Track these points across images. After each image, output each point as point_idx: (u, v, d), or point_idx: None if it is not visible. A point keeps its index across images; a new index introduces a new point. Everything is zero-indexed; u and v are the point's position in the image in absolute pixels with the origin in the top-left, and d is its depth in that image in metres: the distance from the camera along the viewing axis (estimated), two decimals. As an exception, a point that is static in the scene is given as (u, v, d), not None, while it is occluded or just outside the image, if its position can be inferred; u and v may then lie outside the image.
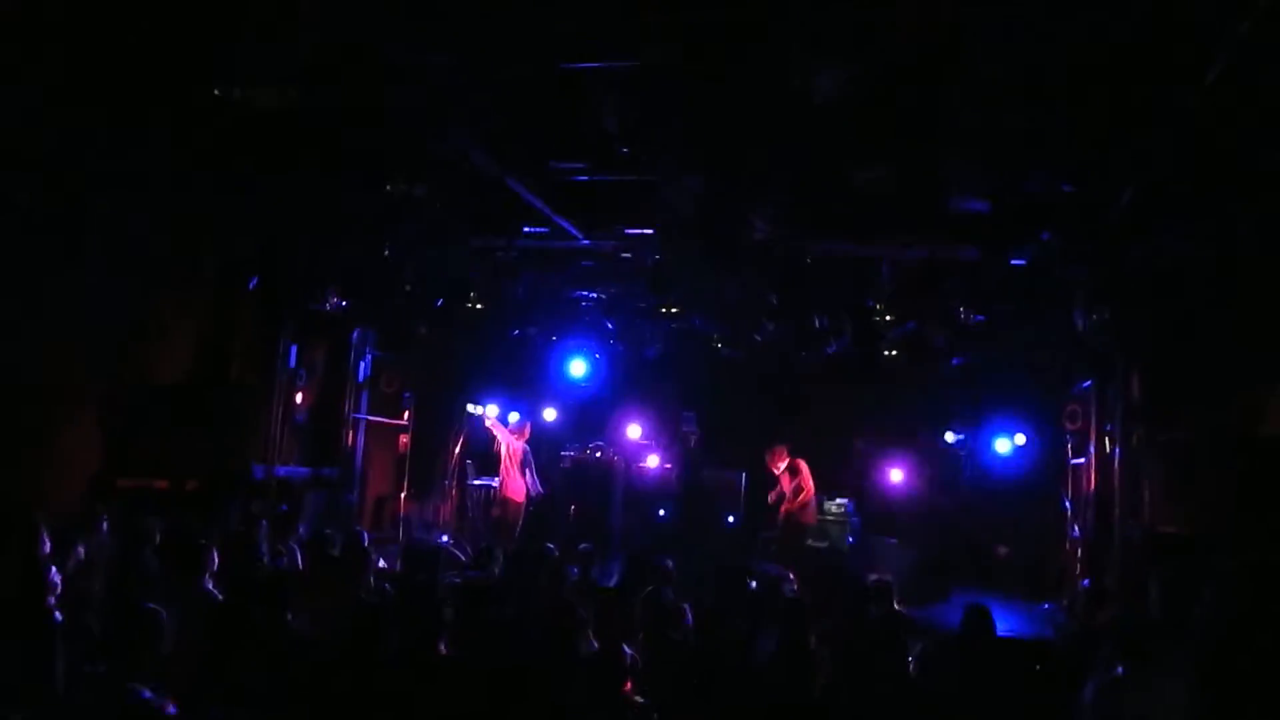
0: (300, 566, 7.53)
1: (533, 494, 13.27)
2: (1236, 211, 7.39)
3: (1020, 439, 13.58)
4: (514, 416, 14.05)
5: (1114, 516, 10.59)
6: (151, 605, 4.61)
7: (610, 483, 14.05)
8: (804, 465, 12.46)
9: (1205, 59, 5.30)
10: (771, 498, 12.56)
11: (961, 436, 13.95)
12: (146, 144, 7.83)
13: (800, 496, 12.29)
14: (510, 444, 13.16)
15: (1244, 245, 7.99)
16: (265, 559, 7.29)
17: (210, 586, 6.25)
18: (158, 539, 7.07)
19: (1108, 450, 11.02)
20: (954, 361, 12.41)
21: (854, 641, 6.26)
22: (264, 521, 8.76)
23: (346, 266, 11.02)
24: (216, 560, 6.43)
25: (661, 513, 14.20)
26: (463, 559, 10.45)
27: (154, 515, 7.51)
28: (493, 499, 13.65)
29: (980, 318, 10.55)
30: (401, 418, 14.11)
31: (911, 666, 5.94)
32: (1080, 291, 8.80)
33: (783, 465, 12.50)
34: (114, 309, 9.62)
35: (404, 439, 14.16)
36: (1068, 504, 12.13)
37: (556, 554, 8.19)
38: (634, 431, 15.06)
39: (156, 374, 10.49)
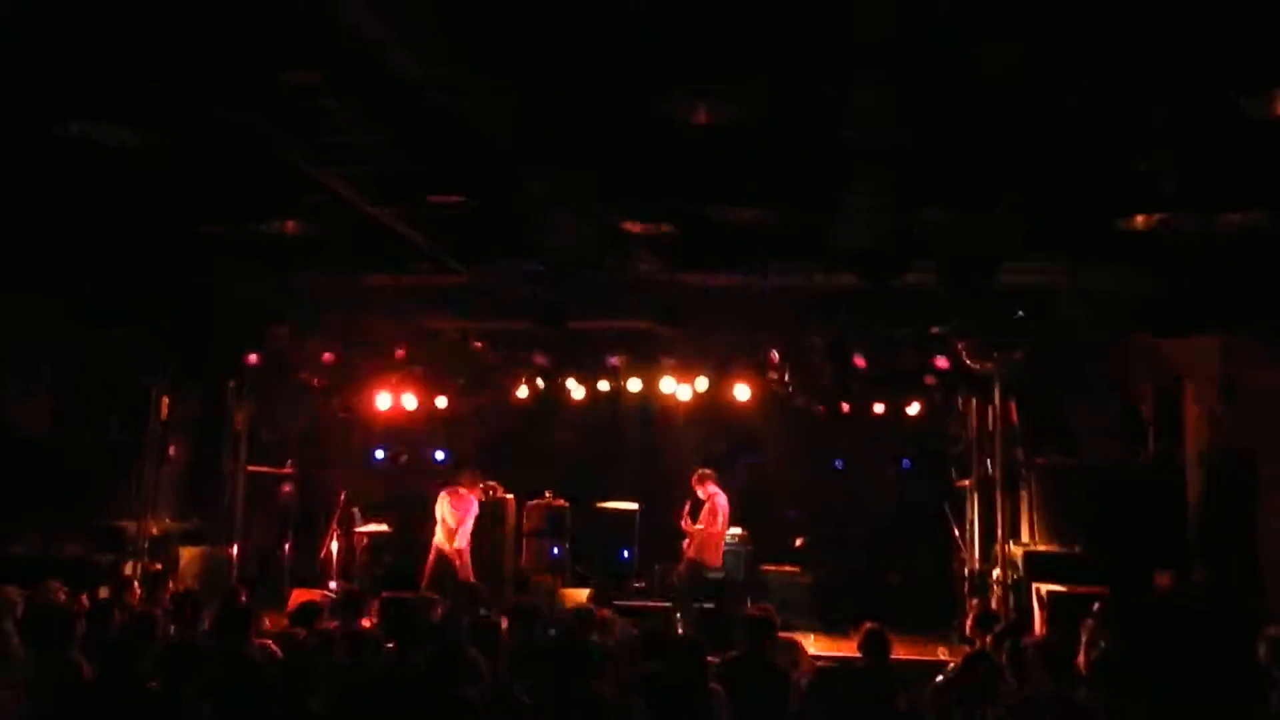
0: (172, 629, 7.13)
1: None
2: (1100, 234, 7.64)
3: (905, 462, 13.80)
4: None
5: (997, 538, 10.81)
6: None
7: (504, 521, 13.74)
8: (720, 500, 12.06)
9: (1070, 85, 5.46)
10: (679, 519, 12.19)
11: (848, 462, 14.11)
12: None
13: (703, 527, 11.90)
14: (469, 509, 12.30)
15: (1107, 268, 8.27)
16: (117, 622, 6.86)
17: (76, 655, 5.89)
18: (19, 611, 6.59)
19: (989, 472, 11.25)
20: (842, 387, 12.51)
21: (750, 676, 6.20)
22: (135, 583, 8.28)
23: (221, 310, 10.60)
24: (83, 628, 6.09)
25: (555, 550, 13.96)
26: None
27: (14, 584, 7.00)
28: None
29: (864, 342, 10.69)
30: (284, 466, 13.65)
31: (806, 694, 5.89)
32: (956, 316, 8.99)
33: (708, 489, 12.07)
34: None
35: (286, 488, 13.68)
36: (954, 526, 12.31)
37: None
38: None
39: (15, 428, 9.95)
